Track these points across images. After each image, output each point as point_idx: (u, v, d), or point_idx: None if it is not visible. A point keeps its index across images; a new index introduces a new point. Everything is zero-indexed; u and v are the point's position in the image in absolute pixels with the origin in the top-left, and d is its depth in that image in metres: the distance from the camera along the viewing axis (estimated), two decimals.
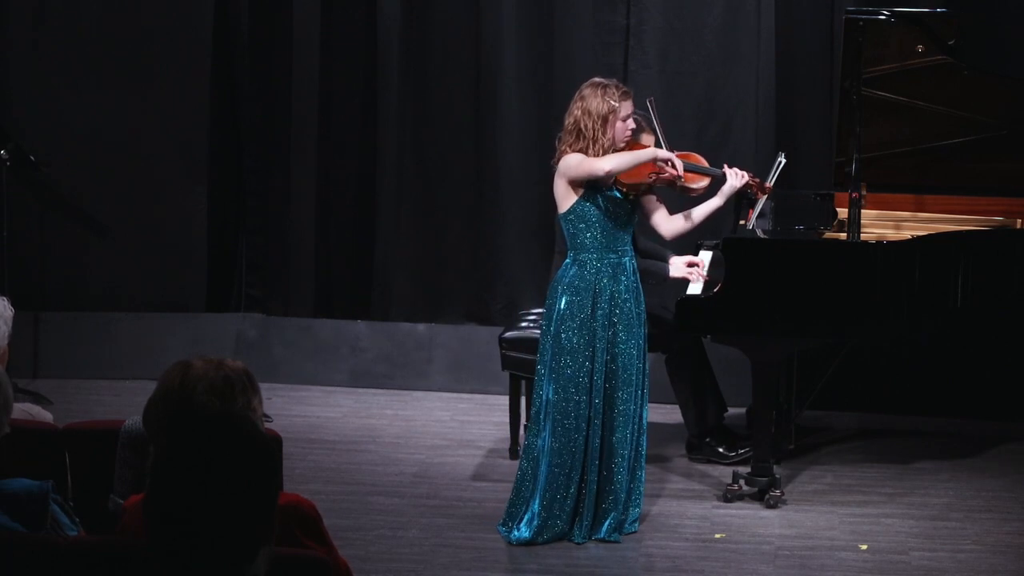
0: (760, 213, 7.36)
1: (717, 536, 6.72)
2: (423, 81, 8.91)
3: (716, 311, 6.98)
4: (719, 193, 6.97)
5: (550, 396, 6.54)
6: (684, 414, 7.70)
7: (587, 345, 6.52)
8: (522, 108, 8.77)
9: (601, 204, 6.54)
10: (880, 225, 7.56)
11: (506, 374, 7.65)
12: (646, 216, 6.89)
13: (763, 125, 8.54)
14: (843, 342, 7.54)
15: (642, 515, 6.80)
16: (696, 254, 7.69)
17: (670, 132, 7.90)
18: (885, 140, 7.60)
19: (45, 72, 9.03)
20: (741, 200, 7.81)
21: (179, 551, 2.61)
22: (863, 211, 7.13)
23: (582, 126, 6.48)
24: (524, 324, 7.67)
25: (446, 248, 9.02)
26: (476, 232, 8.94)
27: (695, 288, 7.33)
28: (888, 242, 7.02)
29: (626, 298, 6.56)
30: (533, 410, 6.73)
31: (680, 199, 7.21)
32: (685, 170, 6.82)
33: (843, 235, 7.16)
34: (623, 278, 6.57)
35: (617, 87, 6.57)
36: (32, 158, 8.67)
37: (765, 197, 7.28)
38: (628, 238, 6.64)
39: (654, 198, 6.93)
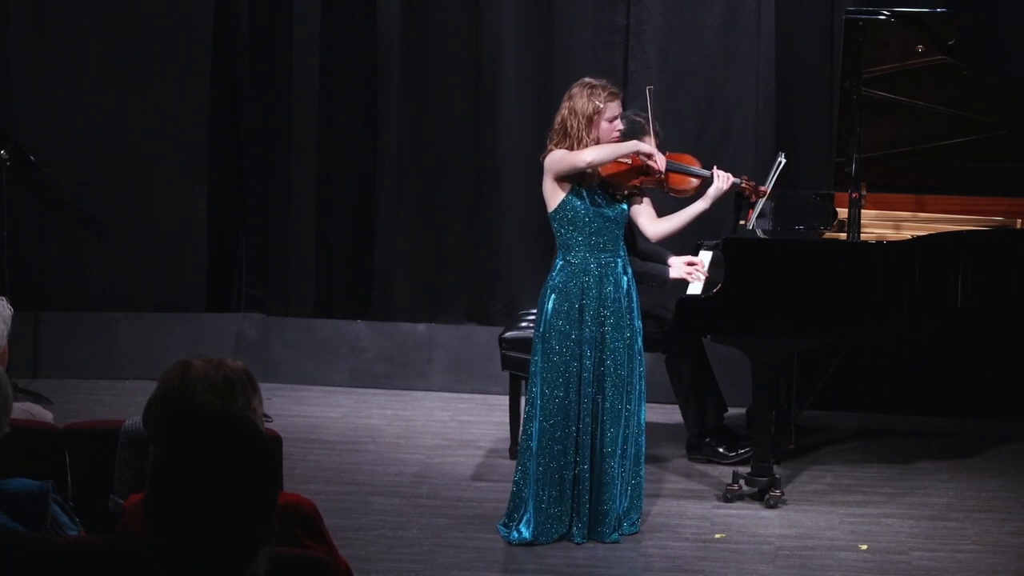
0: (760, 213, 7.35)
1: (717, 536, 6.72)
2: (423, 81, 8.91)
3: (716, 311, 6.98)
4: (704, 196, 6.95)
5: (538, 397, 6.55)
6: (684, 414, 7.70)
7: (575, 345, 6.52)
8: (522, 108, 8.77)
9: (588, 203, 6.53)
10: (880, 225, 7.56)
11: (506, 374, 7.65)
12: (632, 217, 6.88)
13: (763, 125, 8.54)
14: (843, 342, 7.55)
15: (643, 515, 6.80)
16: (696, 254, 7.70)
17: (670, 132, 7.92)
18: (885, 140, 7.60)
19: (45, 72, 9.03)
20: (741, 200, 7.82)
21: (179, 551, 2.61)
22: (863, 211, 7.13)
23: (568, 125, 6.50)
24: (524, 324, 7.67)
25: (446, 248, 9.03)
26: (476, 232, 8.95)
27: (695, 288, 7.33)
28: (888, 242, 7.02)
29: (616, 298, 6.55)
30: (525, 410, 6.74)
31: (673, 201, 7.21)
32: (672, 171, 6.81)
33: (843, 235, 7.16)
34: (612, 278, 6.56)
35: (605, 88, 6.56)
36: (32, 158, 8.67)
37: (764, 198, 7.28)
38: (619, 238, 6.62)
39: (641, 199, 6.92)
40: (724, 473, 7.35)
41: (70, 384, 8.77)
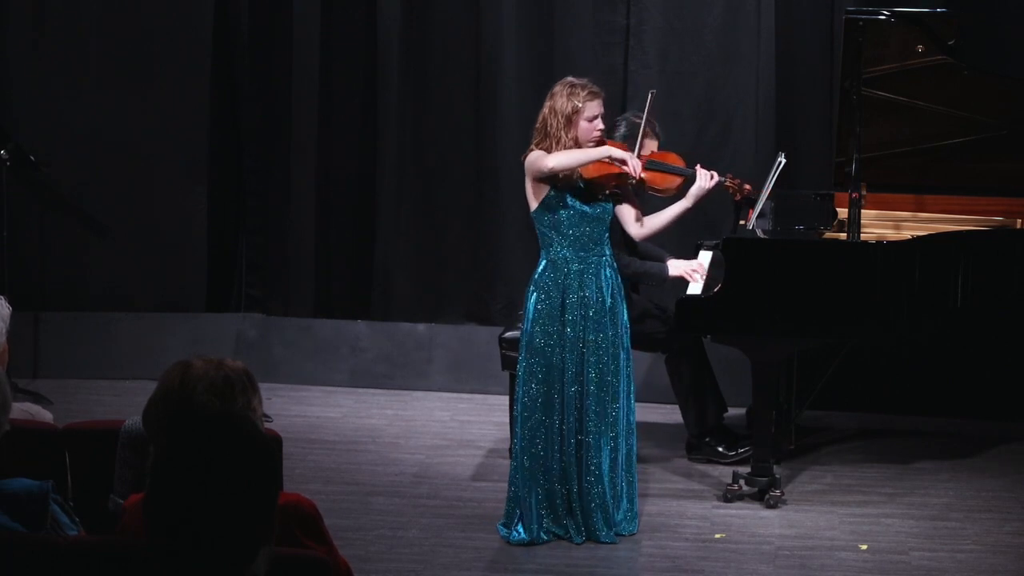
0: (760, 213, 7.35)
1: (717, 536, 6.72)
2: (423, 81, 8.91)
3: (716, 311, 6.98)
4: (687, 195, 6.93)
5: (522, 397, 6.57)
6: (684, 414, 7.70)
7: (557, 345, 6.53)
8: (522, 108, 8.76)
9: (569, 203, 6.52)
10: (880, 225, 7.56)
11: (506, 374, 7.65)
12: (617, 216, 6.86)
13: (763, 125, 8.53)
14: (843, 342, 7.55)
15: (643, 515, 6.81)
16: (696, 254, 7.70)
17: (670, 132, 7.92)
18: (885, 140, 7.60)
19: (45, 72, 9.03)
20: (741, 200, 7.82)
21: (179, 551, 2.61)
22: (863, 211, 7.13)
23: (548, 124, 6.51)
24: None
25: (446, 248, 9.02)
26: (476, 232, 8.94)
27: (695, 288, 7.33)
28: (888, 242, 7.02)
29: (599, 298, 6.54)
30: (515, 410, 6.75)
31: (661, 200, 7.19)
32: (655, 170, 6.79)
33: (843, 235, 7.16)
34: (595, 277, 6.55)
35: (585, 87, 6.55)
36: (32, 158, 8.67)
37: (763, 198, 7.28)
38: (602, 237, 6.60)
39: (622, 199, 6.89)
40: (724, 473, 7.35)
41: (70, 384, 8.77)
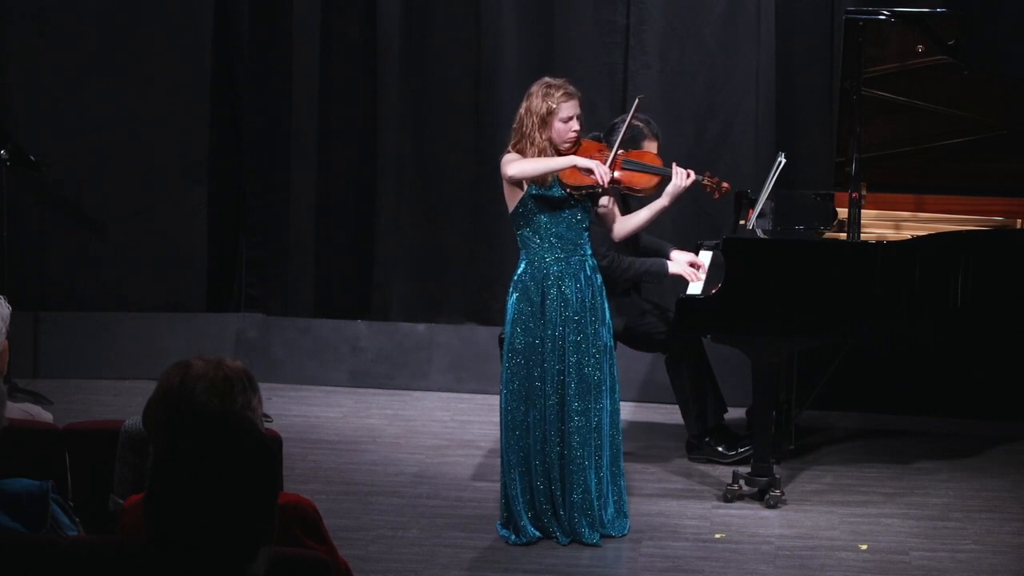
0: (760, 213, 7.36)
1: (717, 536, 6.72)
2: (423, 81, 8.91)
3: (716, 311, 6.98)
4: (664, 193, 6.91)
5: (505, 398, 6.58)
6: (684, 414, 7.70)
7: (537, 345, 6.53)
8: None
9: (546, 204, 6.52)
10: (880, 225, 7.56)
11: None
12: (596, 216, 6.84)
13: (763, 125, 8.53)
14: (843, 342, 7.54)
15: (643, 515, 6.81)
16: (696, 254, 7.69)
17: (670, 132, 7.92)
18: (885, 140, 7.60)
19: (45, 72, 9.03)
20: (741, 200, 7.82)
21: (179, 551, 2.61)
22: (863, 211, 7.13)
23: (523, 124, 6.52)
24: None
25: (446, 248, 9.02)
26: (476, 232, 8.94)
27: (695, 288, 7.33)
28: (888, 242, 7.02)
29: (579, 298, 6.53)
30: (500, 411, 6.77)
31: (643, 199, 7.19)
32: (632, 169, 6.78)
33: (843, 235, 7.16)
34: (573, 277, 6.54)
35: (560, 88, 6.55)
36: (32, 158, 8.66)
37: (763, 198, 7.27)
38: (580, 237, 6.58)
39: (603, 198, 6.88)
40: (724, 473, 7.35)
41: (70, 384, 8.77)
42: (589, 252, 6.61)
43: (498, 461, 7.59)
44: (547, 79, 6.64)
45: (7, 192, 8.64)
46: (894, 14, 7.21)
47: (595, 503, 6.56)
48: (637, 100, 6.92)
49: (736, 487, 7.11)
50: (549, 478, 6.55)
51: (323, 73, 8.94)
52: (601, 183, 6.43)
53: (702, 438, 7.65)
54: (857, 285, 6.93)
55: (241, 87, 9.11)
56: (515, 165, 6.46)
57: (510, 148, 6.56)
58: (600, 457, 6.58)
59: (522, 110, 6.56)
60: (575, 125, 6.54)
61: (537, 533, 6.57)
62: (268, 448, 2.68)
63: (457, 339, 8.97)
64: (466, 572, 6.34)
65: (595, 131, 7.12)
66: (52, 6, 9.02)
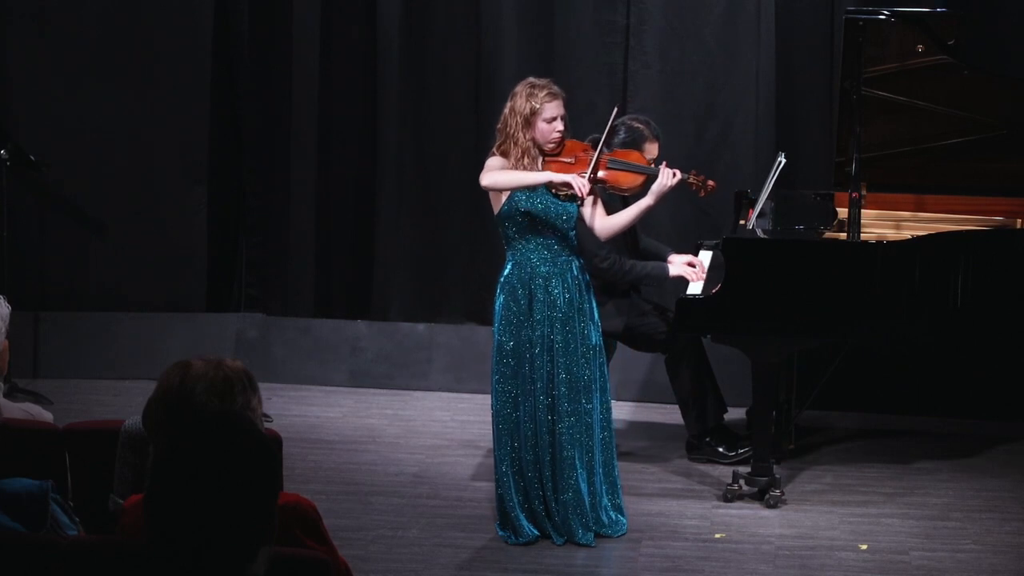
0: (760, 213, 7.36)
1: (717, 536, 6.72)
2: (423, 81, 8.91)
3: (716, 311, 6.98)
4: (650, 192, 6.89)
5: (496, 399, 6.58)
6: (684, 414, 7.70)
7: (526, 346, 6.53)
8: None
9: (531, 204, 6.51)
10: (880, 225, 7.56)
11: None
12: (582, 216, 6.83)
13: (763, 125, 8.53)
14: (843, 342, 7.54)
15: (643, 515, 6.81)
16: (696, 254, 7.69)
17: (670, 132, 7.92)
18: (885, 140, 7.60)
19: (45, 72, 9.03)
20: (741, 200, 7.82)
21: (179, 551, 2.61)
22: (863, 211, 7.13)
23: (507, 124, 6.52)
24: None
25: (446, 248, 9.02)
26: (476, 232, 8.94)
27: (695, 288, 7.33)
28: (888, 242, 7.02)
29: (566, 299, 6.53)
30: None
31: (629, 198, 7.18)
32: (618, 169, 6.77)
33: (843, 235, 7.16)
34: (560, 279, 6.54)
35: (544, 88, 6.55)
36: (32, 158, 8.67)
37: (763, 198, 7.27)
38: (566, 237, 6.56)
39: (591, 197, 6.86)
40: (724, 473, 7.35)
41: (70, 384, 8.77)
42: (573, 251, 6.60)
43: None
44: (531, 79, 6.64)
45: (7, 192, 8.65)
46: (894, 14, 7.21)
47: (587, 503, 6.55)
48: (616, 109, 6.88)
49: (736, 487, 7.11)
50: (541, 479, 6.55)
51: (323, 73, 8.94)
52: (580, 195, 6.38)
53: (702, 438, 7.65)
54: (857, 285, 6.93)
55: (241, 87, 9.11)
56: (490, 176, 6.46)
57: (494, 150, 6.55)
58: (591, 457, 6.58)
59: (506, 110, 6.55)
60: (559, 125, 6.53)
61: (536, 532, 6.57)
62: (268, 448, 2.68)
63: (457, 339, 8.97)
64: (466, 572, 6.34)
65: (594, 133, 7.10)
66: (52, 6, 9.02)
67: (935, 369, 8.39)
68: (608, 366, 6.89)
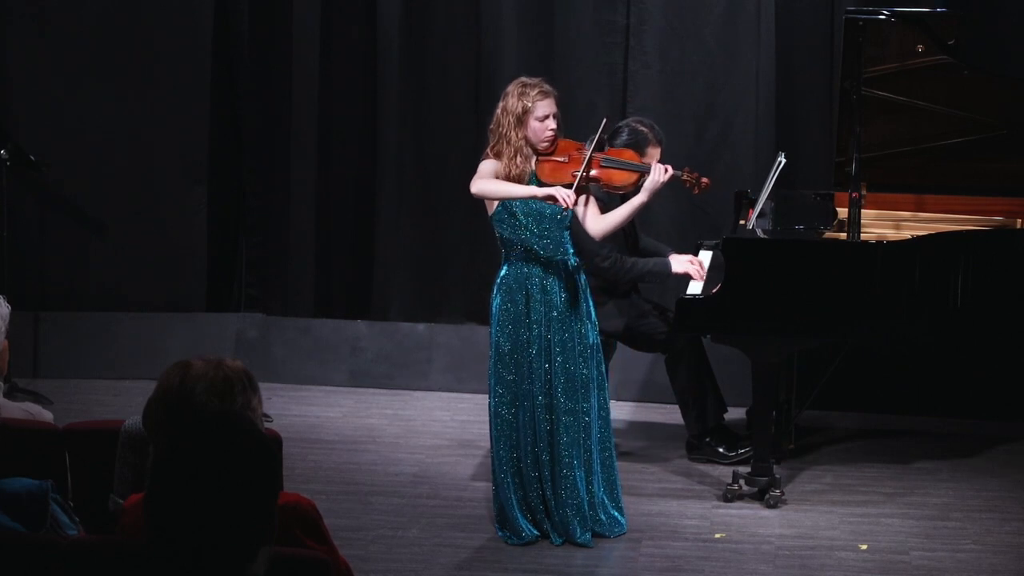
0: (760, 213, 7.36)
1: (717, 536, 6.72)
2: (423, 81, 8.90)
3: (716, 311, 6.98)
4: (643, 189, 6.88)
5: (493, 400, 6.58)
6: (684, 414, 7.70)
7: (523, 347, 6.53)
8: None
9: (524, 206, 6.50)
10: (880, 225, 7.56)
11: None
12: (576, 216, 6.83)
13: (763, 125, 8.53)
14: (843, 342, 7.54)
15: (643, 515, 6.81)
16: (696, 254, 7.69)
17: (670, 132, 7.91)
18: (885, 140, 7.60)
19: (45, 72, 9.03)
20: (741, 200, 7.82)
21: (179, 551, 2.61)
22: (863, 211, 7.13)
23: (500, 124, 6.52)
24: None
25: (446, 248, 9.02)
26: (476, 232, 8.94)
27: (695, 288, 7.32)
28: (888, 242, 7.02)
29: (562, 299, 6.53)
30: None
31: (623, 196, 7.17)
32: (611, 167, 6.77)
33: (843, 235, 7.16)
34: (556, 279, 6.53)
35: (536, 86, 6.55)
36: (32, 158, 8.66)
37: (763, 198, 7.27)
38: (561, 237, 6.56)
39: (584, 197, 6.86)
40: (724, 473, 7.35)
41: (70, 384, 8.77)
42: (571, 251, 6.60)
43: None
44: (523, 78, 6.64)
45: (7, 192, 8.65)
46: (894, 14, 7.21)
47: (585, 502, 6.55)
48: (604, 122, 6.82)
49: (736, 487, 7.11)
50: (540, 478, 6.55)
51: (323, 73, 8.94)
52: (565, 207, 6.34)
53: (702, 438, 7.65)
54: (857, 285, 6.93)
55: (241, 87, 9.11)
56: (479, 184, 6.46)
57: (488, 151, 6.55)
58: (590, 456, 6.58)
59: (498, 110, 6.56)
60: (551, 124, 6.53)
61: (535, 532, 6.57)
62: (268, 448, 2.68)
63: (457, 339, 8.97)
64: (466, 572, 6.34)
65: (593, 134, 7.09)
66: (52, 6, 9.02)
67: (935, 369, 8.39)
68: (608, 366, 6.90)
